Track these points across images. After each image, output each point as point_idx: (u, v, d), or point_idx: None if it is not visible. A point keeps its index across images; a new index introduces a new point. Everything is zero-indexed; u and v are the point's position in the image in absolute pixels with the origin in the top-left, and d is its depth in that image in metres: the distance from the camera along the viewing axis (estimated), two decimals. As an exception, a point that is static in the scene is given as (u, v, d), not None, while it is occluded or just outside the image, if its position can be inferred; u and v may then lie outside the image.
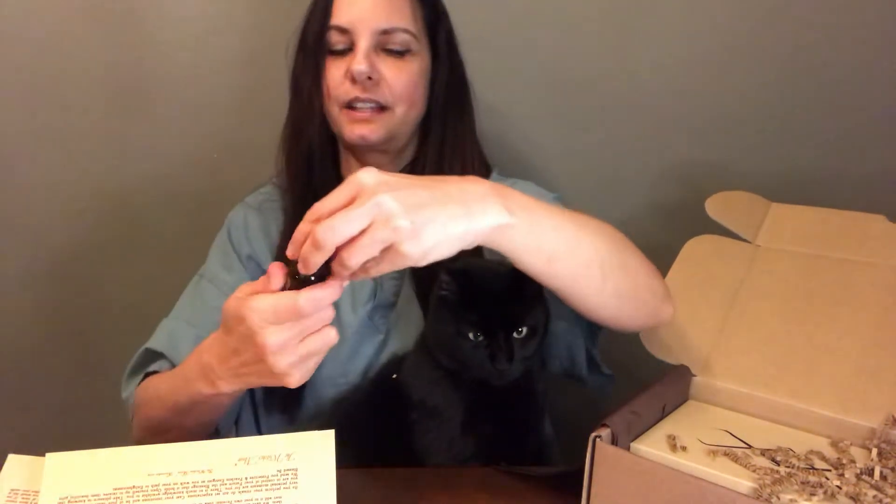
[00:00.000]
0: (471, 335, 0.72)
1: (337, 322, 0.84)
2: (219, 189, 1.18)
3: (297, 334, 0.61)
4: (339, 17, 0.91)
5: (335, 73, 0.92)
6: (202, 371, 0.70)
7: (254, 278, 0.70)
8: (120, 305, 1.33)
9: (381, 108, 0.92)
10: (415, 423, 0.79)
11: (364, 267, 0.58)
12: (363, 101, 0.91)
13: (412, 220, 0.56)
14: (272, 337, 0.60)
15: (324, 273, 0.59)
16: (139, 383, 0.87)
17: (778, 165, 1.15)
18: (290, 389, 0.67)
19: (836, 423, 0.65)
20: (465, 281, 0.74)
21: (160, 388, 0.82)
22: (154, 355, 0.89)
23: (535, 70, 1.18)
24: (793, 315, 0.76)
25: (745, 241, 0.87)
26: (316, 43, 0.93)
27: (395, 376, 0.83)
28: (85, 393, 1.35)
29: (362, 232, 0.56)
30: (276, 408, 0.93)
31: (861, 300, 0.76)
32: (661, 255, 0.86)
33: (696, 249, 0.87)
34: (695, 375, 0.73)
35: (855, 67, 1.12)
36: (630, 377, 0.73)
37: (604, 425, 0.61)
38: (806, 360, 0.71)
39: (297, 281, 0.60)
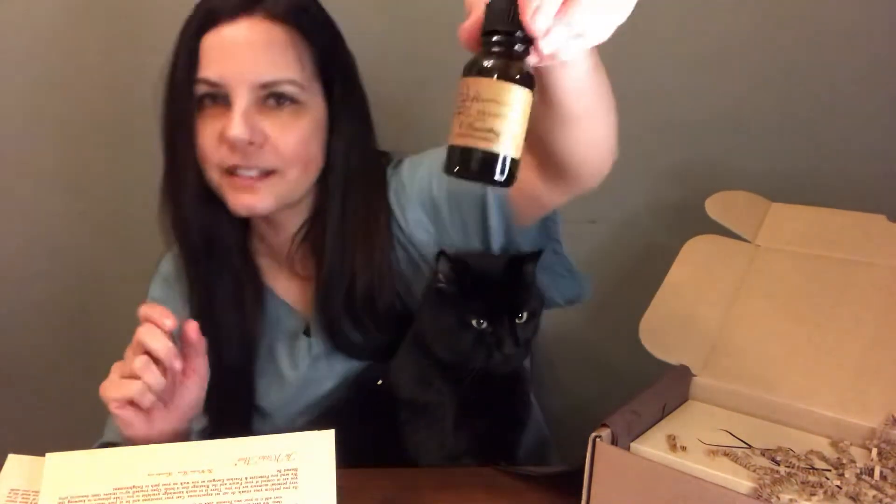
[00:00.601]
0: (474, 323, 0.73)
1: (279, 377, 0.90)
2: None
3: (118, 365, 0.72)
4: (209, 68, 0.77)
5: (209, 135, 0.79)
6: None
7: None
8: (120, 305, 1.33)
9: (269, 171, 0.80)
10: (404, 423, 0.79)
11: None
12: (245, 168, 0.79)
13: None
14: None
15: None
16: None
17: (778, 165, 1.15)
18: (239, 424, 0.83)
19: (836, 423, 0.65)
20: (463, 270, 0.75)
21: None
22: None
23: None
24: (793, 315, 0.76)
25: (745, 240, 0.87)
26: (183, 96, 0.79)
27: (379, 382, 0.83)
28: (85, 393, 1.35)
29: None
30: None
31: (861, 300, 0.76)
32: (661, 255, 0.86)
33: (696, 249, 0.87)
34: (695, 375, 0.73)
35: (855, 67, 1.12)
36: (630, 377, 0.73)
37: (604, 425, 0.61)
38: (806, 360, 0.71)
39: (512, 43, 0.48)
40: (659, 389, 0.69)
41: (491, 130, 0.46)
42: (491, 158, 0.47)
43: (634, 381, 0.70)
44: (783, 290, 0.80)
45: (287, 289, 0.93)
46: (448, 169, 0.48)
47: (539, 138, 0.65)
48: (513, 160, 0.48)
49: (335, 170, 0.84)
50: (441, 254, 0.75)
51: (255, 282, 0.91)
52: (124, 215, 1.30)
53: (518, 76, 0.47)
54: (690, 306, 0.80)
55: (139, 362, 0.71)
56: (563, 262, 0.86)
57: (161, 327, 0.71)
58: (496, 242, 0.82)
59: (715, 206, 0.90)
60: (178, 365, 0.73)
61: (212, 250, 0.86)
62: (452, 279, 0.75)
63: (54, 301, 1.33)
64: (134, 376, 0.71)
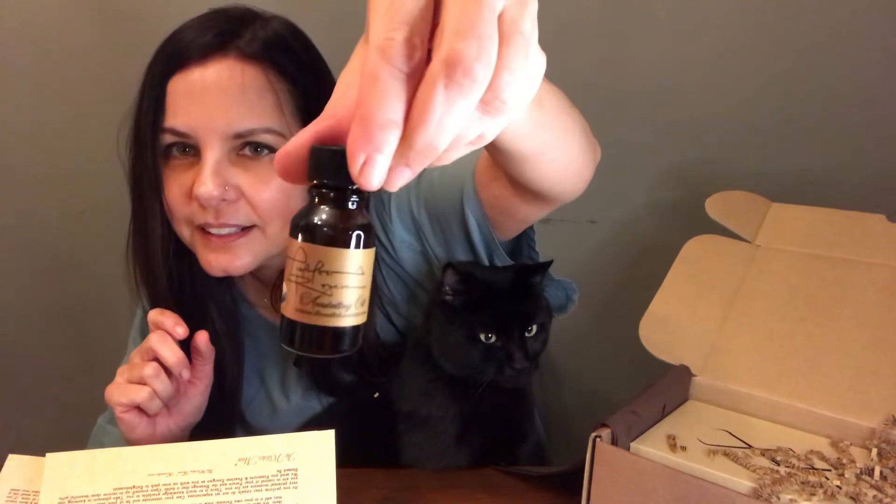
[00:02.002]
0: (483, 337, 0.72)
1: (270, 407, 0.88)
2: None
3: (126, 368, 0.71)
4: (176, 117, 0.69)
5: (177, 189, 0.71)
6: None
7: None
8: (120, 306, 1.32)
9: (246, 227, 0.73)
10: (402, 435, 0.78)
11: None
12: (218, 227, 0.71)
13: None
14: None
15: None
16: None
17: (778, 165, 1.15)
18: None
19: (836, 423, 0.65)
20: (472, 283, 0.74)
21: None
22: None
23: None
24: (793, 315, 0.76)
25: (745, 241, 0.87)
26: (148, 145, 0.72)
27: (376, 395, 0.82)
28: (85, 393, 1.35)
29: None
30: None
31: (861, 300, 0.76)
32: (661, 255, 0.87)
33: (696, 249, 0.87)
34: (695, 375, 0.73)
35: (855, 67, 1.12)
36: (630, 377, 0.73)
37: (604, 425, 0.61)
38: (806, 360, 0.71)
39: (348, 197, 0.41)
40: (659, 389, 0.69)
41: (340, 305, 0.39)
42: (340, 333, 0.40)
43: (634, 381, 0.70)
44: (783, 290, 0.80)
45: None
46: (288, 343, 0.40)
47: (504, 171, 0.63)
48: (360, 326, 0.41)
49: None
50: (449, 266, 0.73)
51: (234, 337, 0.86)
52: (124, 215, 1.30)
53: (366, 237, 0.40)
54: (690, 306, 0.80)
55: (150, 370, 0.70)
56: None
57: (173, 335, 0.70)
58: (481, 255, 0.79)
59: (715, 206, 0.90)
60: (186, 374, 0.73)
61: (186, 306, 0.78)
62: (459, 291, 0.73)
63: (54, 301, 1.34)
64: (142, 382, 0.71)
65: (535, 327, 0.73)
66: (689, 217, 0.92)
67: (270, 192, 0.71)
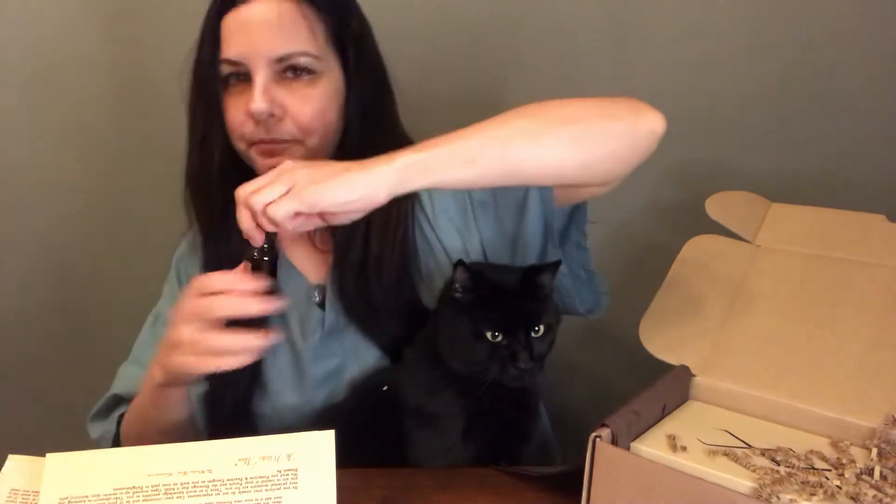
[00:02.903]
0: (489, 335, 0.72)
1: (291, 352, 0.90)
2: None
3: (200, 308, 0.71)
4: (230, 49, 0.83)
5: (235, 111, 0.85)
6: (148, 374, 0.81)
7: None
8: (119, 305, 1.33)
9: (291, 141, 0.85)
10: (409, 431, 0.78)
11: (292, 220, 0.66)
12: (269, 142, 0.85)
13: (311, 171, 0.67)
14: (181, 307, 0.72)
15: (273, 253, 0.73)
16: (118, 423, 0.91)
17: (778, 165, 1.15)
18: (241, 422, 0.85)
19: (836, 423, 0.65)
20: (480, 280, 0.74)
21: (131, 414, 0.88)
22: (119, 400, 0.93)
23: (533, 71, 1.18)
24: (793, 315, 0.76)
25: (745, 241, 0.87)
26: (209, 77, 0.85)
27: (385, 388, 0.82)
28: (85, 393, 1.35)
29: None
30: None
31: (861, 300, 0.76)
32: (661, 255, 0.87)
33: (696, 249, 0.87)
34: (695, 375, 0.73)
35: (855, 67, 1.12)
36: (630, 377, 0.73)
37: (604, 425, 0.61)
38: (806, 360, 0.71)
39: (254, 263, 0.72)
40: (659, 389, 0.69)
41: None
42: None
43: (634, 381, 0.70)
44: (783, 290, 0.80)
45: (305, 261, 0.93)
46: None
47: None
48: None
49: (352, 133, 0.88)
50: (459, 263, 0.74)
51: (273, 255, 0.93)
52: (123, 216, 1.30)
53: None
54: (690, 306, 0.80)
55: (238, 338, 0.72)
56: (583, 258, 0.87)
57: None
58: (531, 223, 0.84)
59: (715, 206, 0.90)
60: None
61: (226, 220, 0.86)
62: (469, 288, 0.74)
63: (53, 301, 1.34)
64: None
65: (541, 328, 0.73)
66: (689, 217, 0.92)
67: (310, 108, 0.84)
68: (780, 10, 1.11)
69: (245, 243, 0.71)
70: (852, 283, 0.78)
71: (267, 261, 0.72)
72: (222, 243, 0.89)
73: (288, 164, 0.68)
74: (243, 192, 0.68)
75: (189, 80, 0.87)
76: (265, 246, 0.71)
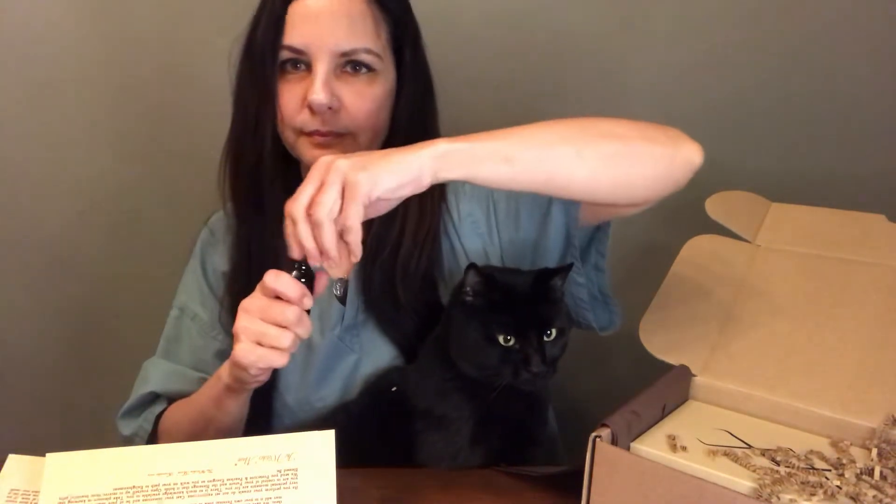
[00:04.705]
0: (501, 339, 0.72)
1: (306, 346, 0.88)
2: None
3: (262, 305, 0.69)
4: (293, 36, 0.82)
5: (290, 98, 0.84)
6: (216, 375, 0.80)
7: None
8: (119, 305, 1.33)
9: (343, 134, 0.85)
10: (419, 434, 0.78)
11: (336, 221, 0.64)
12: (323, 134, 0.84)
13: (354, 160, 0.64)
14: (252, 302, 0.70)
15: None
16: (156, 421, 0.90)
17: (778, 165, 1.15)
18: (258, 414, 0.84)
19: (836, 423, 0.65)
20: (492, 284, 0.73)
21: (180, 412, 0.88)
22: (155, 397, 0.92)
23: (533, 71, 1.18)
24: (793, 315, 0.76)
25: (745, 241, 0.87)
26: (265, 60, 0.83)
27: (394, 388, 0.82)
28: (85, 393, 1.35)
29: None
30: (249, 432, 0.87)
31: (861, 300, 0.76)
32: (661, 255, 0.87)
33: (696, 249, 0.87)
34: (695, 375, 0.73)
35: (855, 67, 1.12)
36: (630, 377, 0.73)
37: (604, 425, 0.61)
38: (806, 360, 0.71)
39: (301, 276, 0.69)
40: (659, 389, 0.69)
41: None
42: None
43: (634, 381, 0.70)
44: (783, 290, 0.80)
45: None
46: None
47: None
48: None
49: (398, 136, 0.86)
50: (471, 266, 0.73)
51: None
52: (124, 216, 1.30)
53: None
54: (690, 306, 0.80)
55: (292, 314, 0.70)
56: (601, 280, 0.86)
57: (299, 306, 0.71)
58: (553, 234, 0.84)
59: (715, 206, 0.90)
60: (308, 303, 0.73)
61: (262, 206, 0.88)
62: (480, 292, 0.73)
63: (54, 301, 1.34)
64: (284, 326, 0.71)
65: (553, 332, 0.73)
66: (689, 217, 0.92)
67: (366, 106, 0.84)
68: (780, 9, 1.11)
69: (287, 257, 0.68)
70: (852, 283, 0.78)
71: (308, 274, 0.69)
72: (256, 229, 0.89)
73: (324, 159, 0.66)
74: (299, 208, 0.64)
75: (239, 62, 0.86)
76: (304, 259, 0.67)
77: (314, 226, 0.64)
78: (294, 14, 0.82)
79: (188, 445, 0.66)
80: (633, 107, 1.18)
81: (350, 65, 0.83)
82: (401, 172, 0.65)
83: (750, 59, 1.14)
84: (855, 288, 0.77)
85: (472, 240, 0.89)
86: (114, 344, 1.30)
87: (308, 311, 0.71)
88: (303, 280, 0.69)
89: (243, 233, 0.91)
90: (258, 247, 0.89)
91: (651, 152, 0.73)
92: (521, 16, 1.17)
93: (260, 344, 0.69)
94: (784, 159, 1.15)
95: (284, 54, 0.83)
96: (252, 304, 0.70)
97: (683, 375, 0.73)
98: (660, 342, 0.77)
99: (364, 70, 0.84)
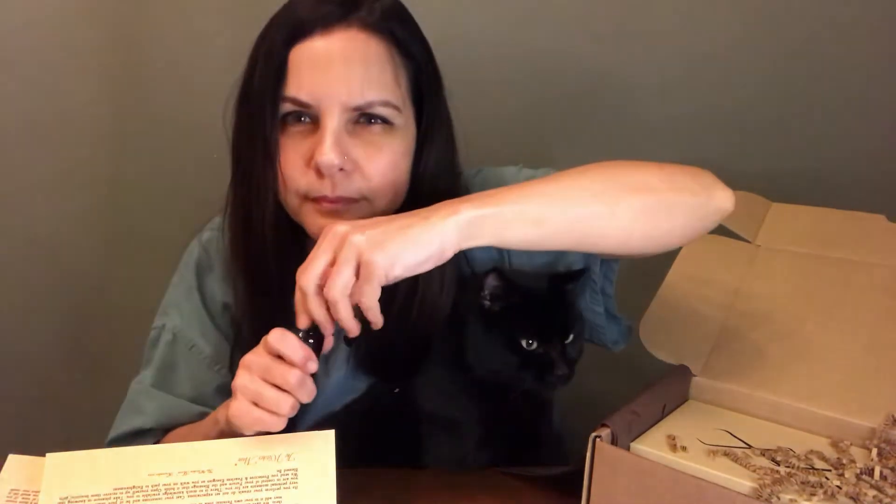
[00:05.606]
0: (524, 343, 0.70)
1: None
2: (219, 189, 1.18)
3: (264, 364, 0.64)
4: (299, 87, 0.70)
5: (293, 157, 0.72)
6: (214, 416, 0.74)
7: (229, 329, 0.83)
8: (119, 305, 1.33)
9: (356, 199, 0.74)
10: (425, 437, 0.77)
11: (351, 296, 0.60)
12: (332, 200, 0.73)
13: (370, 234, 0.59)
14: (255, 359, 0.64)
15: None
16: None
17: (778, 165, 1.15)
18: None
19: (836, 423, 0.65)
20: (513, 289, 0.72)
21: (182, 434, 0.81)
22: (148, 431, 0.84)
23: (533, 71, 1.18)
24: (793, 315, 0.76)
25: (745, 241, 0.87)
26: (265, 117, 0.71)
27: (396, 390, 0.81)
28: (85, 393, 1.35)
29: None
30: None
31: (861, 300, 0.76)
32: (661, 255, 0.86)
33: (696, 249, 0.87)
34: (695, 375, 0.73)
35: (855, 67, 1.12)
36: (630, 377, 0.73)
37: (604, 425, 0.61)
38: (806, 360, 0.71)
39: (306, 338, 0.65)
40: (659, 389, 0.69)
41: None
42: None
43: (634, 381, 0.70)
44: (783, 290, 0.80)
45: None
46: None
47: None
48: None
49: (418, 195, 0.76)
50: (493, 270, 0.71)
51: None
52: (123, 216, 1.30)
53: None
54: (690, 306, 0.80)
55: (294, 378, 0.64)
56: (608, 304, 0.83)
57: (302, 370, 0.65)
58: (571, 262, 0.80)
59: (715, 206, 0.90)
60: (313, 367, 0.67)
61: (267, 287, 0.78)
62: (499, 297, 0.72)
63: (54, 301, 1.34)
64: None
65: (572, 335, 0.73)
66: (689, 217, 0.92)
67: (382, 163, 0.73)
68: (780, 10, 1.11)
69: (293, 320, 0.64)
70: (852, 283, 0.78)
71: (314, 339, 0.65)
72: (256, 307, 0.80)
73: (338, 229, 0.60)
74: (310, 282, 0.60)
75: (235, 111, 0.76)
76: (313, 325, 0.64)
77: (329, 303, 0.60)
78: (298, 59, 0.70)
79: (188, 445, 0.66)
80: (633, 107, 1.18)
81: (363, 117, 0.72)
82: (421, 249, 0.60)
83: (750, 58, 1.14)
84: (854, 288, 0.77)
85: (480, 260, 0.82)
86: (114, 344, 1.30)
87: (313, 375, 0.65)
88: (310, 341, 0.65)
89: (260, 304, 0.80)
90: (258, 314, 0.80)
91: (684, 203, 0.69)
92: (519, 16, 1.17)
93: (257, 405, 0.64)
94: (784, 159, 1.15)
95: (286, 107, 0.72)
96: (253, 362, 0.64)
97: (683, 375, 0.73)
98: (660, 342, 0.77)
99: (379, 122, 0.73)
